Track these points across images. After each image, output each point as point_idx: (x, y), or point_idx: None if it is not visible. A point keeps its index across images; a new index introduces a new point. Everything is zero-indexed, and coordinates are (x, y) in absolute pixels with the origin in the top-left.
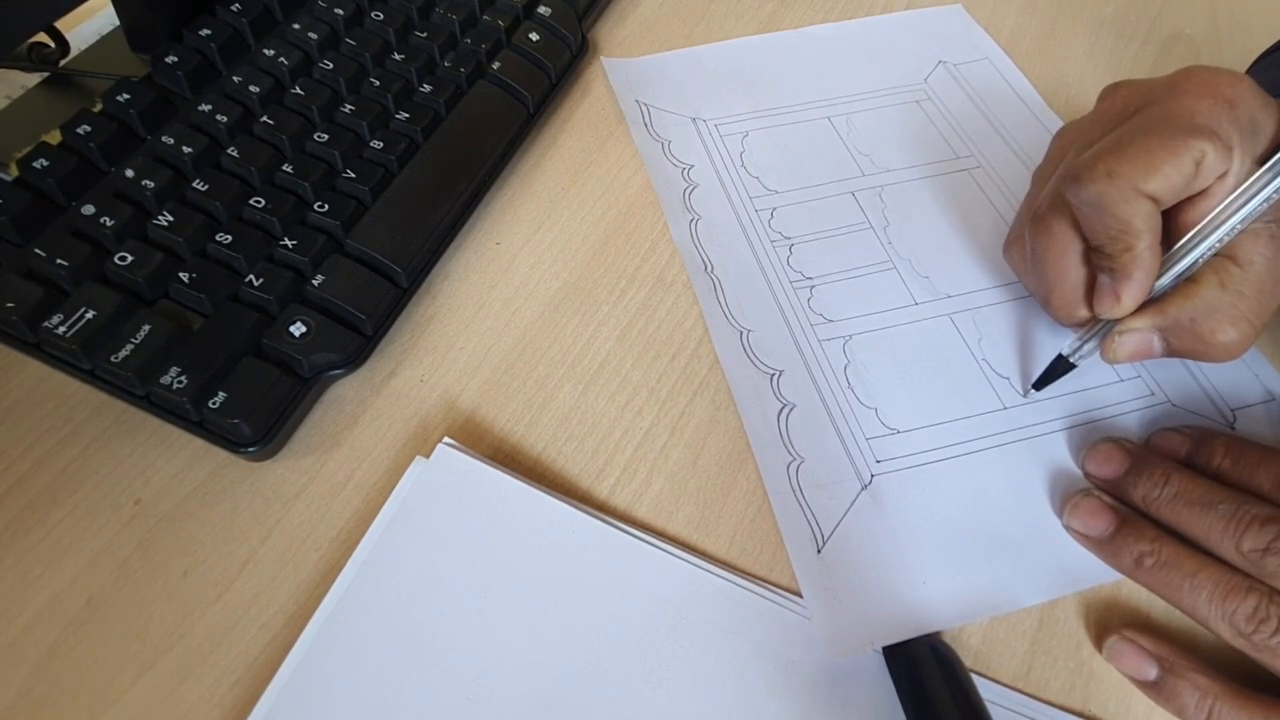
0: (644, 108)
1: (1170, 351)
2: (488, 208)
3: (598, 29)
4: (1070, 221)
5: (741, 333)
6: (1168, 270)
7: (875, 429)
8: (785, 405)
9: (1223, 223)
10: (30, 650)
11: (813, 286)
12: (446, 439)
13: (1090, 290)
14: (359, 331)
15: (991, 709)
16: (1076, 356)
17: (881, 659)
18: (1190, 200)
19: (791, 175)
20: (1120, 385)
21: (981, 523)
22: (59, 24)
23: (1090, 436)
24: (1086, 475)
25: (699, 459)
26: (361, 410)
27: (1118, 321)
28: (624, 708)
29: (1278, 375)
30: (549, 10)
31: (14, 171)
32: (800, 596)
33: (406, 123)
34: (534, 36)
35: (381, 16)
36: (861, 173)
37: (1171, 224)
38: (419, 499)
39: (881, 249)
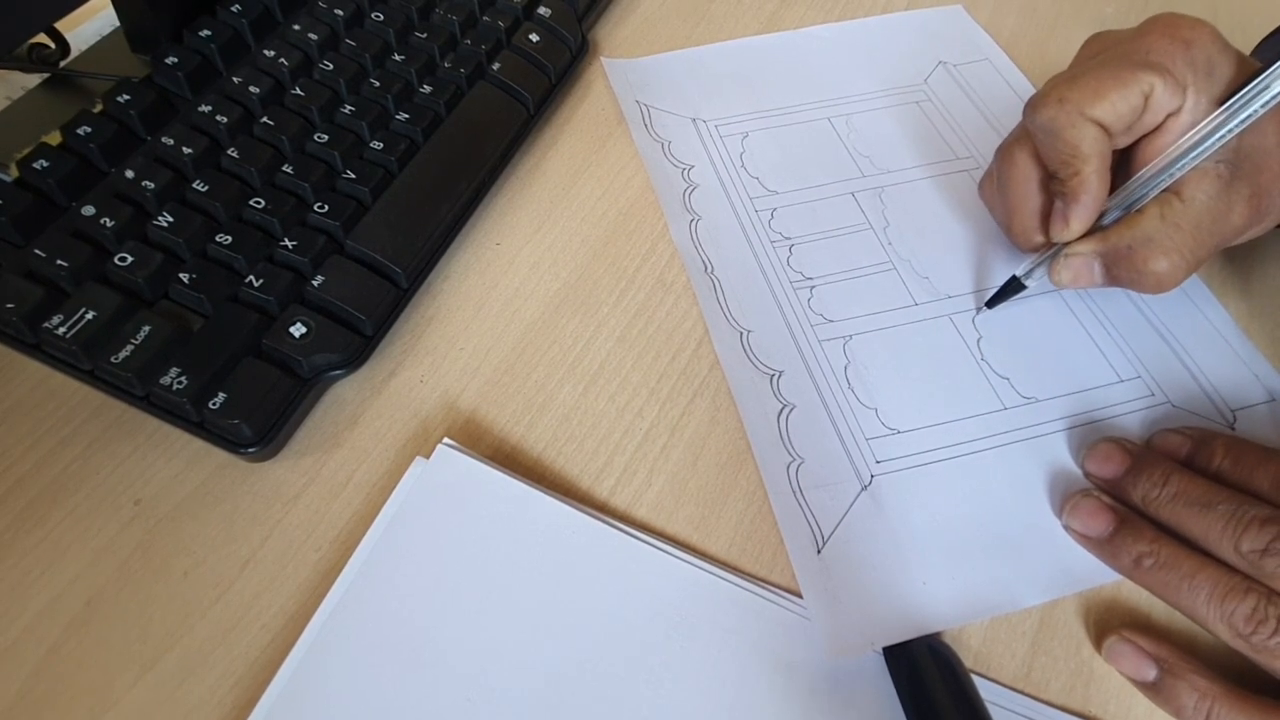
0: (644, 108)
1: (1109, 279)
2: (488, 208)
3: (598, 29)
4: (1031, 151)
5: (741, 333)
6: (1118, 202)
7: (875, 429)
8: (785, 406)
9: (1173, 159)
10: (31, 650)
11: (813, 287)
12: (446, 439)
13: (1047, 217)
14: (359, 332)
15: (992, 709)
16: (1028, 277)
17: (882, 659)
18: (1147, 139)
19: (791, 176)
20: (1121, 386)
21: (981, 523)
22: (59, 25)
23: (1090, 437)
24: (1086, 475)
25: (699, 459)
26: (361, 411)
27: (1066, 246)
28: (624, 708)
29: (1278, 375)
30: (549, 11)
31: (14, 172)
32: (800, 597)
33: (407, 123)
34: (534, 37)
35: (381, 17)
36: (861, 173)
37: (1130, 163)
38: (419, 499)
39: (881, 249)
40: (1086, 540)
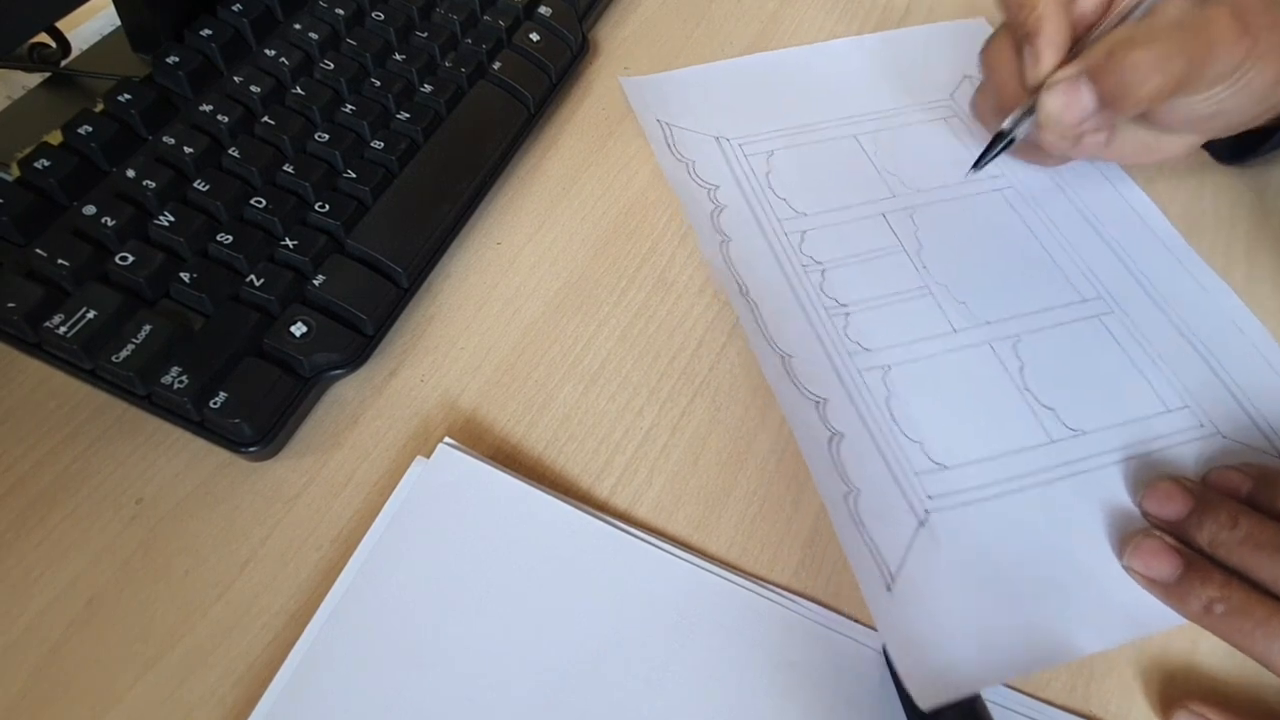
0: (665, 127)
1: (1100, 97)
2: (488, 208)
3: (598, 29)
4: (1008, 31)
5: (783, 358)
6: (1093, 38)
7: (923, 464)
8: (834, 434)
9: None
10: (32, 650)
11: (848, 314)
12: (447, 439)
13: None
14: (360, 331)
15: (992, 709)
16: (1015, 128)
17: (881, 659)
18: (1115, 2)
19: (820, 196)
20: (1169, 416)
21: (1039, 565)
22: (60, 24)
23: (1142, 471)
24: (1145, 515)
25: (699, 459)
26: (362, 410)
27: (1048, 79)
28: (624, 708)
29: None
30: (549, 10)
31: (15, 171)
32: (802, 597)
33: (407, 123)
34: (534, 37)
35: (382, 17)
36: (891, 193)
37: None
38: (420, 499)
39: (916, 274)
40: (1151, 583)
